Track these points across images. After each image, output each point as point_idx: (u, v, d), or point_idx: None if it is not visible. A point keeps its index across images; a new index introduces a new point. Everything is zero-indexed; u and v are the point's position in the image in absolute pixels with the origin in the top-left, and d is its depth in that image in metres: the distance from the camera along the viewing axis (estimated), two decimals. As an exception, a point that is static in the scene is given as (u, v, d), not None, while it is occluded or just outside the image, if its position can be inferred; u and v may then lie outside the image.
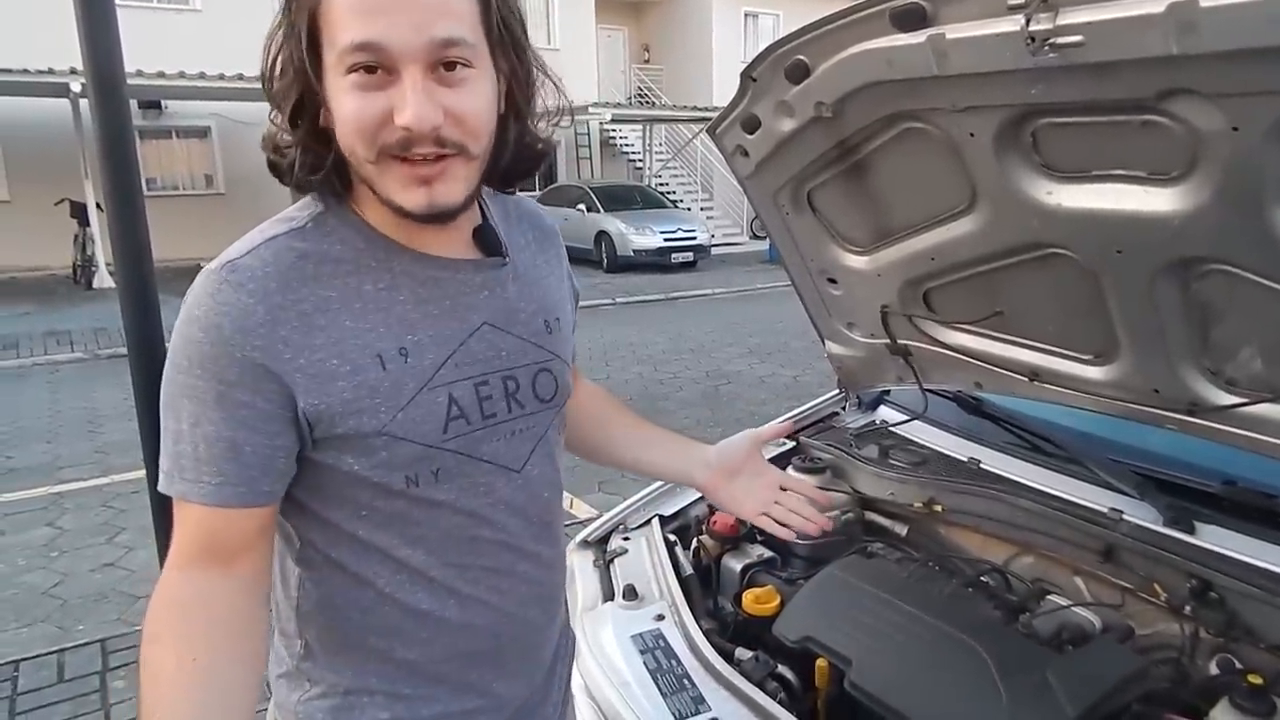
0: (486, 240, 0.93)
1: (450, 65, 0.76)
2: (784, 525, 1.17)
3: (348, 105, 0.75)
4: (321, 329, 0.80)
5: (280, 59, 0.79)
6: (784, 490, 1.19)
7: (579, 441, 1.18)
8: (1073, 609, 1.36)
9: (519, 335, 0.93)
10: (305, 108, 0.79)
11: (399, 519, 0.87)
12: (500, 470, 0.92)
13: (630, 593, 1.47)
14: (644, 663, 1.31)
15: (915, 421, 1.95)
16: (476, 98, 0.79)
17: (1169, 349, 1.32)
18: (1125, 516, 1.44)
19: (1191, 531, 1.38)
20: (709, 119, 1.56)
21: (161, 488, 0.80)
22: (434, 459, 0.85)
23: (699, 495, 1.76)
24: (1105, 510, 1.46)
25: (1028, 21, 0.99)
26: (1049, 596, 1.41)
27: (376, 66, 0.74)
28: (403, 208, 0.79)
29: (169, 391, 0.79)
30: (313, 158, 0.81)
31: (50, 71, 9.99)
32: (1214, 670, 1.21)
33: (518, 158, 0.89)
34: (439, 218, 0.81)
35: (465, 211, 0.86)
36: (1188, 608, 1.28)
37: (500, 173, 0.88)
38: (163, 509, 2.05)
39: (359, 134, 0.76)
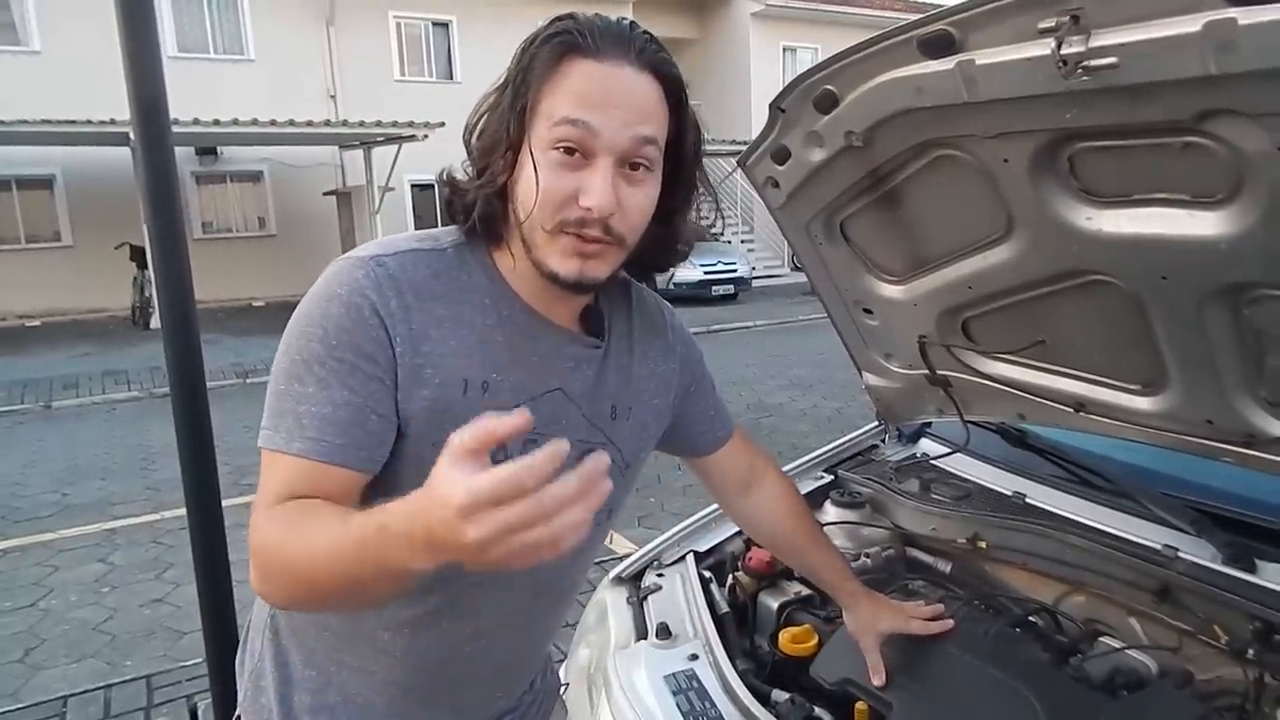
0: (591, 322, 1.02)
1: (635, 165, 0.86)
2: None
3: (544, 177, 0.84)
4: (431, 339, 0.88)
5: (486, 121, 0.89)
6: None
7: (767, 536, 1.34)
8: (1127, 652, 1.29)
9: (583, 412, 0.99)
10: (498, 168, 0.88)
11: None
12: None
13: (664, 631, 1.44)
14: (677, 704, 1.28)
15: (958, 454, 1.89)
16: (645, 199, 0.89)
17: (1222, 378, 1.27)
18: (1181, 554, 1.37)
19: (1252, 570, 1.32)
20: (747, 152, 1.55)
21: (275, 445, 0.85)
22: None
23: (735, 530, 1.73)
24: (1159, 547, 1.40)
25: (1059, 45, 0.97)
26: (1101, 638, 1.35)
27: (576, 150, 0.83)
28: (555, 274, 0.87)
29: (297, 357, 0.86)
30: (489, 208, 0.90)
31: (112, 122, 10.40)
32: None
33: (659, 252, 0.98)
34: (579, 288, 0.90)
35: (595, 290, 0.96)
36: (1250, 651, 1.21)
37: (639, 261, 0.96)
38: (204, 544, 2.07)
39: (546, 204, 0.84)
